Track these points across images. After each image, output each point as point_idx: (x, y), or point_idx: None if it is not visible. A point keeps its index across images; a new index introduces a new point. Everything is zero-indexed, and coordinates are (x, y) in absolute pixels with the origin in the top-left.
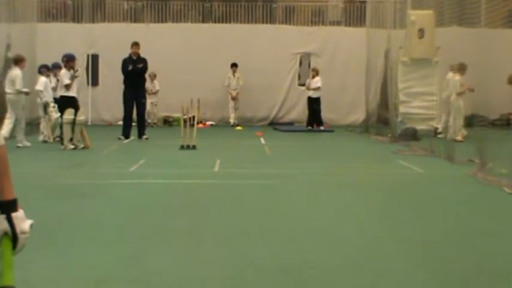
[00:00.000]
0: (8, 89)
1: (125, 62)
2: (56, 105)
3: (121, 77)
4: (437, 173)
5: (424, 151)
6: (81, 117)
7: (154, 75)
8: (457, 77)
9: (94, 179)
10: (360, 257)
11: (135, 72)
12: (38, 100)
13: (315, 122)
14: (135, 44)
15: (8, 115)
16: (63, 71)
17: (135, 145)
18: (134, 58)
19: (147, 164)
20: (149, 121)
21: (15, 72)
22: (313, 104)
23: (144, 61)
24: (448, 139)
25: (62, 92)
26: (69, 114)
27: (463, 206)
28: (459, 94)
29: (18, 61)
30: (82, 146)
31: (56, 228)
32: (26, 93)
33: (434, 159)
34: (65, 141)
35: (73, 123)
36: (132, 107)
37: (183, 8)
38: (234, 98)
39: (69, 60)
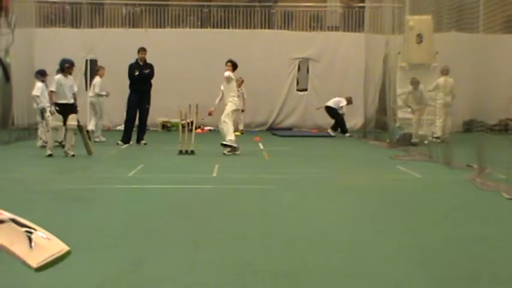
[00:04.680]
0: (89, 93)
1: (132, 68)
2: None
3: (119, 82)
4: (435, 178)
5: (422, 156)
6: (71, 123)
7: (242, 81)
8: None
9: (92, 184)
10: (358, 262)
11: (141, 78)
12: (35, 105)
13: (339, 127)
14: (142, 50)
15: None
16: (61, 77)
17: (133, 150)
18: (141, 64)
19: (145, 169)
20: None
21: (95, 79)
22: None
23: (150, 67)
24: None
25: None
26: (71, 120)
27: (461, 211)
28: None
29: (97, 69)
30: (72, 153)
31: (53, 232)
32: (106, 95)
33: (433, 165)
34: (66, 148)
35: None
36: (136, 112)
37: (182, 13)
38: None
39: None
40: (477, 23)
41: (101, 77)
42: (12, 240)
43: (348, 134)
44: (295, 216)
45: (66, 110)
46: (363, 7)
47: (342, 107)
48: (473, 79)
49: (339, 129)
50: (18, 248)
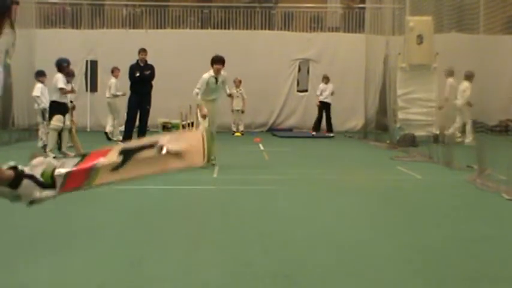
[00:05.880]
0: (106, 94)
1: (132, 69)
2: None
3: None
4: (435, 179)
5: (423, 157)
6: (66, 123)
7: (240, 81)
8: None
9: None
10: (358, 263)
11: (142, 79)
12: (36, 106)
13: (327, 127)
14: (143, 50)
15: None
16: (59, 76)
17: None
18: (141, 64)
19: None
20: (234, 130)
21: (111, 80)
22: (328, 109)
23: (151, 68)
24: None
25: (56, 98)
26: (57, 121)
27: (461, 212)
28: None
29: (112, 71)
30: (73, 154)
31: (54, 233)
32: (122, 95)
33: (433, 165)
34: (63, 148)
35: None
36: (136, 114)
37: (182, 14)
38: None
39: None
40: (477, 23)
41: (116, 77)
42: (156, 164)
43: (314, 133)
44: (295, 216)
45: (66, 109)
46: (363, 8)
47: (319, 94)
48: (473, 80)
49: (317, 127)
50: (171, 166)
